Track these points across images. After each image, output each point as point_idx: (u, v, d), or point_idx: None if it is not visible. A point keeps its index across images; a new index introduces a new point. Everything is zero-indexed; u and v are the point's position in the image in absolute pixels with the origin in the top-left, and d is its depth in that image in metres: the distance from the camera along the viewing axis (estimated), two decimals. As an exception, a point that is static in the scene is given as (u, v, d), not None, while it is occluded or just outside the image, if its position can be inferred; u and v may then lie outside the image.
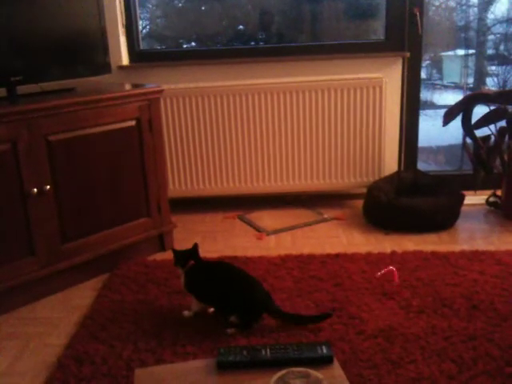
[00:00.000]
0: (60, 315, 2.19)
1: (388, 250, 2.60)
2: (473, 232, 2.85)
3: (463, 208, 2.96)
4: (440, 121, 3.04)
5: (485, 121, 2.98)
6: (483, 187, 3.10)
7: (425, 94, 3.82)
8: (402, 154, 3.33)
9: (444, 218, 2.88)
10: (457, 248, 2.60)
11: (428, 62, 3.90)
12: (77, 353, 1.88)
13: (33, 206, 2.21)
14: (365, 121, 3.10)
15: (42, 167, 2.22)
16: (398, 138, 3.29)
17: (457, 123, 3.01)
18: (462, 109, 2.98)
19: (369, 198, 3.01)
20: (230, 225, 3.06)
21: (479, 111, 3.00)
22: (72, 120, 2.28)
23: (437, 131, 3.51)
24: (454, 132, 3.22)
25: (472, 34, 3.74)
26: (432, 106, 3.95)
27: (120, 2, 3.07)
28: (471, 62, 3.85)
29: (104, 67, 2.64)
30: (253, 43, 3.44)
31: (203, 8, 3.47)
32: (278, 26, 3.42)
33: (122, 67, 3.12)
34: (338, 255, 2.55)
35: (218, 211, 3.25)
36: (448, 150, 3.98)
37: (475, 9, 3.66)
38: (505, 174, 2.99)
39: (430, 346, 1.83)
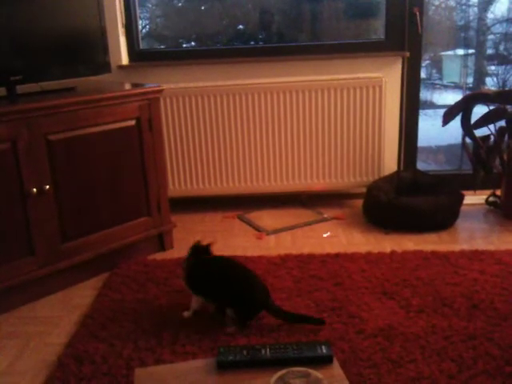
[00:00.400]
0: (60, 314, 2.19)
1: (388, 249, 2.61)
2: (472, 231, 2.86)
3: (463, 208, 2.96)
4: (439, 120, 3.04)
5: (484, 120, 2.98)
6: (483, 187, 3.10)
7: (424, 94, 3.82)
8: (402, 154, 3.33)
9: (444, 218, 2.88)
10: (457, 247, 2.61)
11: (428, 61, 3.90)
12: (77, 352, 1.88)
13: (33, 206, 2.21)
14: (364, 120, 3.10)
15: (41, 167, 2.22)
16: (397, 138, 3.30)
17: (456, 123, 3.01)
18: (462, 108, 2.98)
19: (369, 198, 3.01)
20: (229, 224, 3.06)
21: (479, 111, 3.00)
22: (72, 119, 2.28)
23: (436, 131, 3.51)
24: (454, 132, 3.22)
25: (472, 33, 3.74)
26: (432, 105, 3.95)
27: (120, 2, 3.07)
28: (471, 62, 3.85)
29: (104, 67, 2.64)
30: (253, 43, 3.44)
31: (203, 7, 3.47)
32: (278, 25, 3.42)
33: (121, 67, 3.12)
34: (337, 255, 2.55)
35: (217, 211, 3.25)
36: (447, 149, 3.98)
37: (475, 8, 3.66)
38: (504, 174, 2.99)
39: (429, 345, 1.83)
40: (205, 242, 2.12)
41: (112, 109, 2.39)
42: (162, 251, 2.73)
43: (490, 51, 3.86)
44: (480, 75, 3.93)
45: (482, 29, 3.69)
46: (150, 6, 3.48)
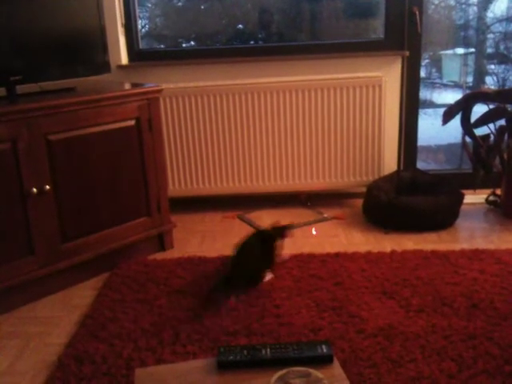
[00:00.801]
0: (60, 314, 2.19)
1: (388, 249, 2.61)
2: (472, 231, 2.86)
3: (463, 207, 2.96)
4: (439, 120, 3.05)
5: (484, 120, 2.98)
6: (483, 186, 3.10)
7: (424, 93, 3.82)
8: (402, 153, 3.33)
9: (444, 217, 2.88)
10: (457, 247, 2.61)
11: (427, 60, 3.90)
12: (77, 352, 1.88)
13: (32, 206, 2.21)
14: (364, 120, 3.10)
15: (41, 167, 2.22)
16: (397, 137, 3.29)
17: (456, 122, 3.01)
18: (462, 108, 2.98)
19: (368, 197, 3.01)
20: (229, 224, 3.06)
21: (479, 110, 3.00)
22: (71, 119, 2.28)
23: (436, 130, 3.51)
24: (454, 131, 3.22)
25: (471, 32, 3.74)
26: (431, 104, 3.95)
27: (119, 2, 3.07)
28: (471, 61, 3.85)
29: (103, 66, 2.64)
30: (252, 42, 3.44)
31: (202, 7, 3.47)
32: (277, 24, 3.42)
33: (121, 66, 3.12)
34: (337, 254, 2.55)
35: (217, 211, 3.25)
36: (447, 148, 3.98)
37: (475, 7, 3.66)
38: (504, 173, 2.99)
39: (429, 344, 1.83)
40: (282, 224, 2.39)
41: (112, 109, 2.39)
42: (162, 251, 2.73)
43: (489, 50, 3.85)
44: (480, 74, 3.93)
45: (482, 28, 3.69)
46: (150, 5, 3.48)
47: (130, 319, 2.08)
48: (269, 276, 2.33)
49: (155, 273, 2.45)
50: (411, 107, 3.27)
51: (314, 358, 1.36)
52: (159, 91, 2.56)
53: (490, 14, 3.63)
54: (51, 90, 2.47)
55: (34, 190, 2.19)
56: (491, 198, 3.15)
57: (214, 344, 1.88)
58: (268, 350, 1.39)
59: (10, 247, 2.19)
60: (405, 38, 3.14)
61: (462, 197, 2.94)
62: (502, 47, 3.78)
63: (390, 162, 3.28)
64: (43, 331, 2.07)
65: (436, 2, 3.63)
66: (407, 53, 3.13)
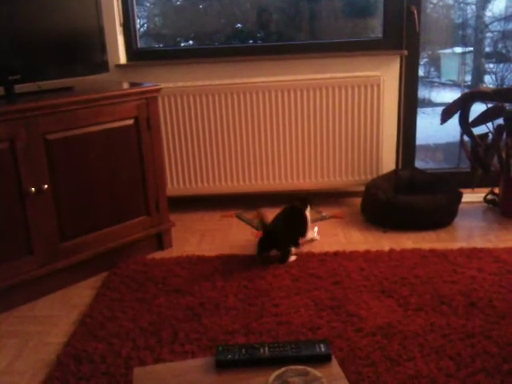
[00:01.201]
0: (59, 314, 2.19)
1: (386, 247, 2.61)
2: (471, 230, 2.86)
3: (461, 206, 2.97)
4: (438, 119, 3.05)
5: (482, 119, 2.98)
6: (481, 185, 3.11)
7: (422, 92, 3.82)
8: (400, 152, 3.33)
9: (442, 216, 2.89)
10: (455, 246, 2.61)
11: (426, 59, 3.90)
12: (76, 351, 1.88)
13: (31, 205, 2.21)
14: (363, 119, 3.10)
15: (40, 166, 2.22)
16: (395, 136, 3.30)
17: (454, 121, 3.01)
18: (460, 107, 2.98)
19: (367, 196, 3.02)
20: (228, 223, 3.07)
21: (477, 109, 3.01)
22: (70, 119, 2.28)
23: (434, 129, 3.51)
24: (452, 130, 3.23)
25: (470, 31, 3.74)
26: (430, 103, 3.95)
27: (117, 1, 3.07)
28: (469, 60, 3.85)
29: (102, 66, 2.64)
30: (251, 41, 3.44)
31: (201, 6, 3.47)
32: (276, 24, 3.42)
33: (119, 66, 3.12)
34: (336, 253, 2.55)
35: (216, 210, 3.26)
36: (446, 147, 3.98)
37: (473, 6, 3.66)
38: (502, 172, 2.99)
39: (428, 343, 1.83)
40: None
41: (110, 108, 2.39)
42: (161, 250, 2.73)
43: (488, 49, 3.86)
44: (478, 73, 3.93)
45: (480, 27, 3.69)
46: (148, 4, 3.48)
47: (129, 318, 2.08)
48: (293, 257, 2.51)
49: (154, 272, 2.45)
50: (410, 106, 3.28)
51: (312, 356, 1.36)
52: (158, 90, 2.56)
53: (488, 13, 3.63)
54: (50, 89, 2.47)
55: (33, 189, 2.19)
56: (489, 196, 3.15)
57: (212, 343, 1.88)
58: (266, 348, 1.39)
59: (8, 247, 2.19)
60: (403, 37, 3.15)
61: (460, 196, 2.94)
62: (500, 46, 3.79)
63: (388, 161, 3.28)
64: (42, 330, 2.07)
65: (434, 1, 3.63)
66: (405, 52, 3.13)
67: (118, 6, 3.08)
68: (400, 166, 3.33)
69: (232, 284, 2.30)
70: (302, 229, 2.64)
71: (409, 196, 2.91)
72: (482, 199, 3.18)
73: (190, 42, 3.52)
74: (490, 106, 2.98)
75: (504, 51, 3.78)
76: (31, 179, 2.19)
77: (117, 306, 2.17)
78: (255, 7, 3.42)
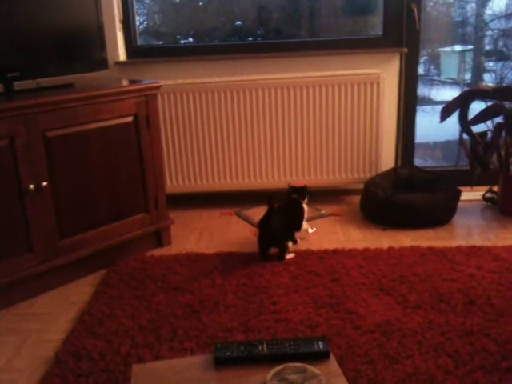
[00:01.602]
0: (58, 311, 2.19)
1: (385, 245, 2.61)
2: (469, 228, 2.86)
3: (460, 204, 2.97)
4: (437, 117, 3.05)
5: (482, 117, 2.98)
6: (480, 183, 3.11)
7: (422, 90, 3.82)
8: (399, 150, 3.34)
9: (441, 214, 2.89)
10: (454, 244, 2.61)
11: (425, 57, 3.90)
12: (74, 348, 1.88)
13: (30, 203, 2.21)
14: (362, 116, 3.10)
15: (39, 163, 2.22)
16: (395, 134, 3.30)
17: (454, 119, 3.01)
18: (460, 105, 2.98)
19: (366, 194, 3.02)
20: (227, 221, 3.07)
21: (476, 107, 3.01)
22: (69, 116, 2.28)
23: (434, 127, 3.51)
24: (451, 128, 3.23)
25: (470, 29, 3.74)
26: (429, 101, 3.95)
27: (117, -2, 3.07)
28: (469, 58, 3.85)
29: (101, 63, 2.64)
30: (250, 39, 3.44)
31: (200, 3, 3.47)
32: (275, 21, 3.42)
33: (119, 63, 3.12)
34: (335, 251, 2.56)
35: (215, 207, 3.26)
36: (445, 145, 3.98)
37: (473, 4, 3.66)
38: (501, 170, 3.00)
39: (426, 341, 1.84)
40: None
41: (109, 105, 2.39)
42: (160, 248, 2.73)
43: (488, 47, 3.86)
44: (478, 71, 3.93)
45: (480, 25, 3.69)
46: (148, 1, 3.47)
47: (128, 316, 2.08)
48: (291, 255, 2.50)
49: (153, 269, 2.46)
50: (409, 104, 3.27)
51: (311, 354, 1.36)
52: (157, 88, 2.56)
53: (488, 11, 3.63)
54: (49, 86, 2.46)
55: (32, 186, 2.19)
56: (488, 194, 3.15)
57: (211, 340, 1.88)
58: (265, 346, 1.39)
59: (7, 244, 2.19)
60: (403, 34, 3.15)
61: (459, 194, 2.94)
62: (500, 44, 3.79)
63: (387, 159, 3.28)
64: (41, 327, 2.07)
65: (434, -1, 3.63)
66: (405, 50, 3.13)
67: (117, 3, 3.07)
68: (399, 164, 3.33)
69: (231, 281, 2.30)
70: (299, 222, 2.59)
71: (408, 194, 2.91)
72: (480, 197, 3.18)
73: (190, 39, 3.52)
74: (489, 104, 2.98)
75: (504, 49, 3.78)
76: (30, 176, 2.19)
77: (116, 304, 2.18)
78: (255, 5, 3.41)
